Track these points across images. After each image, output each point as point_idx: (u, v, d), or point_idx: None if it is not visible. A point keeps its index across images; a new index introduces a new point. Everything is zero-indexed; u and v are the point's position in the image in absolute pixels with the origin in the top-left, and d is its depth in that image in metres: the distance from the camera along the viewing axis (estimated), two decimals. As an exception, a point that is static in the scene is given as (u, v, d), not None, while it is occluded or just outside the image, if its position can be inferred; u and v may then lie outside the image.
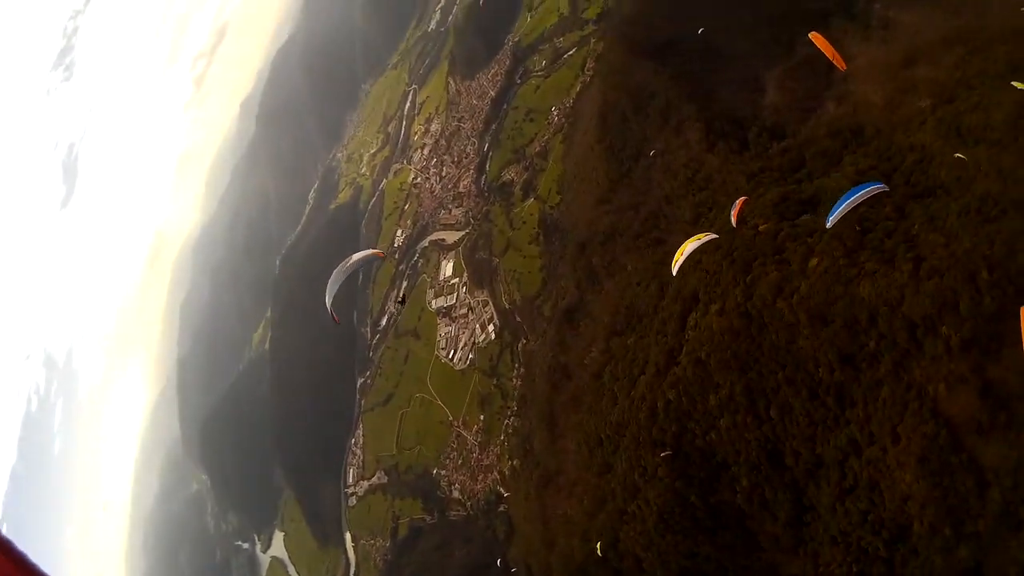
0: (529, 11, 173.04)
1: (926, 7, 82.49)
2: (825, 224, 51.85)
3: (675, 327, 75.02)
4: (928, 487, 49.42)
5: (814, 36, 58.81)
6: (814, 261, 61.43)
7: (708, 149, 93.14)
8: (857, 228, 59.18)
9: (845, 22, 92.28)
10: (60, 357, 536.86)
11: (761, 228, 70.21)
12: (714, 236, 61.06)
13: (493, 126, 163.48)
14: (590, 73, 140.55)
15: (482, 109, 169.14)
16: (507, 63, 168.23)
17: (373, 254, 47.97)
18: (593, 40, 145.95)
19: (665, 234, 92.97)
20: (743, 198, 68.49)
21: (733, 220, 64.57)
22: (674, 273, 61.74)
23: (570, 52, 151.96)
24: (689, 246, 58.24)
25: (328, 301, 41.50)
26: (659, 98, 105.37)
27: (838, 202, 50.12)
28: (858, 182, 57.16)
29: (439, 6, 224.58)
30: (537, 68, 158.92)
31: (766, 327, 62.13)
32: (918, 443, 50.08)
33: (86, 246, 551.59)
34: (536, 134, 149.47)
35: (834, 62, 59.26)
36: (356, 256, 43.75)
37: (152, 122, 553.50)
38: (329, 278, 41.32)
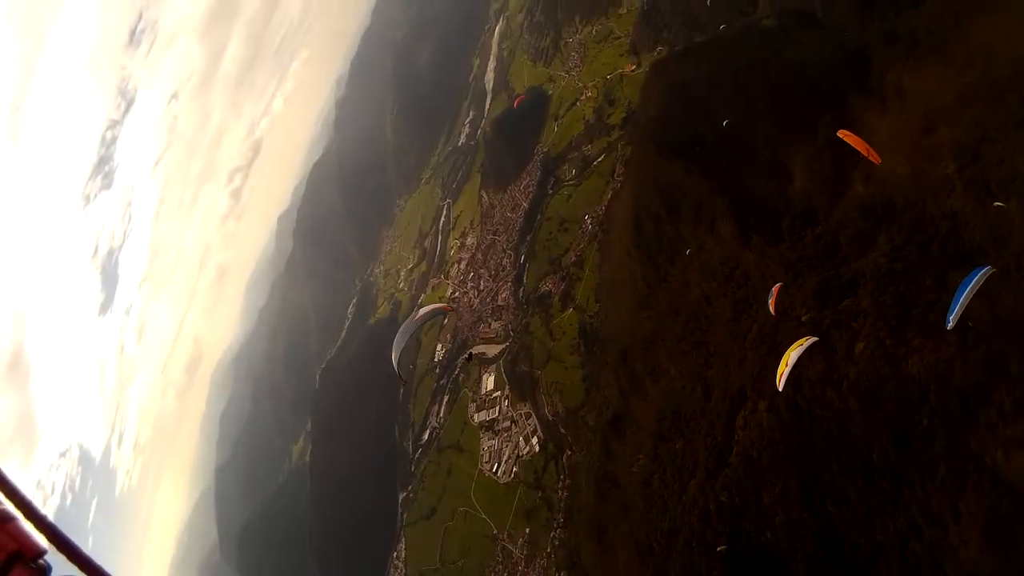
0: (555, 121, 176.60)
1: (936, 69, 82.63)
2: (947, 325, 49.26)
3: (723, 428, 73.06)
4: (994, 560, 46.74)
5: (844, 134, 58.68)
6: (860, 345, 60.01)
7: (743, 245, 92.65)
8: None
9: (863, 97, 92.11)
10: (97, 455, 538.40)
11: (804, 318, 69.17)
12: (815, 339, 58.61)
13: (528, 237, 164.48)
14: (620, 178, 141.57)
15: (516, 221, 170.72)
16: (537, 174, 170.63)
17: (440, 307, 47.62)
18: (620, 145, 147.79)
19: (707, 335, 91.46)
20: (778, 284, 67.92)
21: (772, 309, 63.70)
22: (780, 388, 58.60)
23: (599, 159, 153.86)
24: (792, 354, 56.11)
25: (395, 357, 40.68)
26: (690, 197, 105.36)
27: (955, 297, 46.78)
28: (967, 272, 56.17)
29: (468, 120, 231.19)
30: (567, 177, 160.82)
31: (817, 418, 60.46)
32: (980, 516, 47.68)
33: (123, 349, 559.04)
34: (571, 243, 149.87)
35: (869, 157, 59.00)
36: (424, 311, 43.39)
37: (189, 233, 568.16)
38: (393, 352, 40.67)
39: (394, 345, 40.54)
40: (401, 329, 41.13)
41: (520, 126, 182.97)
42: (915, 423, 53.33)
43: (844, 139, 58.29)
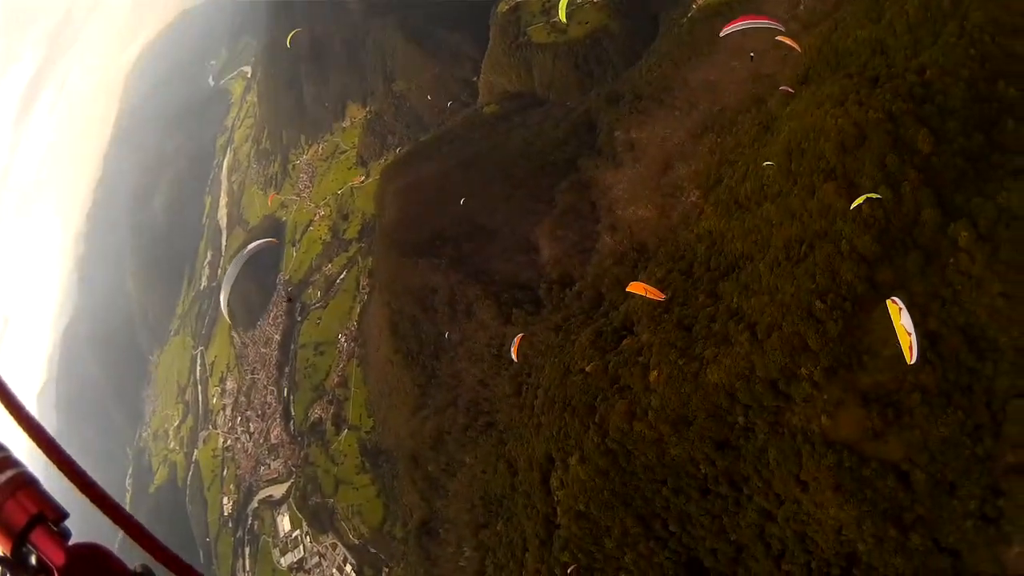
0: (293, 247, 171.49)
1: (662, 116, 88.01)
2: None
3: (541, 494, 71.18)
4: (855, 508, 48.95)
5: (632, 286, 60.16)
6: (654, 374, 60.79)
7: (505, 322, 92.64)
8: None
9: (592, 159, 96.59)
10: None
11: (588, 369, 69.37)
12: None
13: (286, 369, 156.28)
14: (366, 291, 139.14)
15: (271, 355, 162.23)
16: (283, 303, 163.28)
17: (267, 242, 47.42)
18: (360, 257, 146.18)
19: (493, 416, 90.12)
20: (519, 335, 70.73)
21: (514, 356, 67.36)
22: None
23: (341, 276, 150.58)
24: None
25: (224, 298, 40.08)
26: (442, 291, 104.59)
27: None
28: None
29: (207, 261, 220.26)
30: (314, 301, 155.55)
31: (632, 454, 60.24)
32: (827, 478, 49.67)
33: None
34: (330, 366, 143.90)
35: (652, 296, 60.66)
36: (251, 245, 43.09)
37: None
38: (222, 293, 41.24)
39: (223, 284, 39.36)
40: (231, 266, 40.67)
41: (259, 259, 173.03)
42: (731, 424, 54.92)
43: (632, 290, 60.05)
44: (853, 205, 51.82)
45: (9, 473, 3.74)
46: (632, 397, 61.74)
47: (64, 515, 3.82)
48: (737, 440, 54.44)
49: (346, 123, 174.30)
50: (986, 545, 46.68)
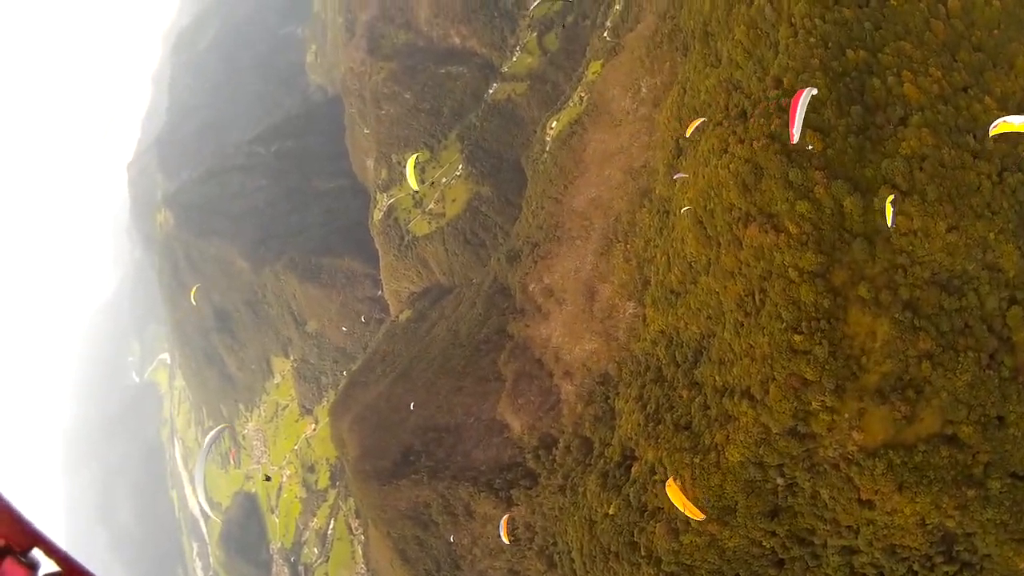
0: (272, 513, 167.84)
1: (564, 249, 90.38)
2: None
3: None
4: (927, 495, 49.93)
5: (669, 486, 58.13)
6: (677, 483, 59.26)
7: (508, 505, 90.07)
8: None
9: (519, 321, 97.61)
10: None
11: (611, 511, 68.36)
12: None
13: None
14: (360, 531, 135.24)
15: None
16: (285, 571, 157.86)
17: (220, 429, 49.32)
18: (341, 503, 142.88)
19: None
20: (505, 517, 74.92)
21: (504, 538, 70.73)
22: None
23: (331, 526, 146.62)
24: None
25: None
26: (433, 502, 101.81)
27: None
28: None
29: (195, 553, 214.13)
30: (314, 559, 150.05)
31: (694, 567, 60.22)
32: (886, 484, 50.97)
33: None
34: None
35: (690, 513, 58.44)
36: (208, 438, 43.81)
37: None
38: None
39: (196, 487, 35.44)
40: (195, 475, 36.95)
41: (245, 535, 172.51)
42: (773, 489, 55.43)
43: (669, 492, 57.18)
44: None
45: None
46: (667, 515, 61.21)
47: (31, 546, 3.84)
48: (785, 501, 54.55)
49: (276, 379, 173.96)
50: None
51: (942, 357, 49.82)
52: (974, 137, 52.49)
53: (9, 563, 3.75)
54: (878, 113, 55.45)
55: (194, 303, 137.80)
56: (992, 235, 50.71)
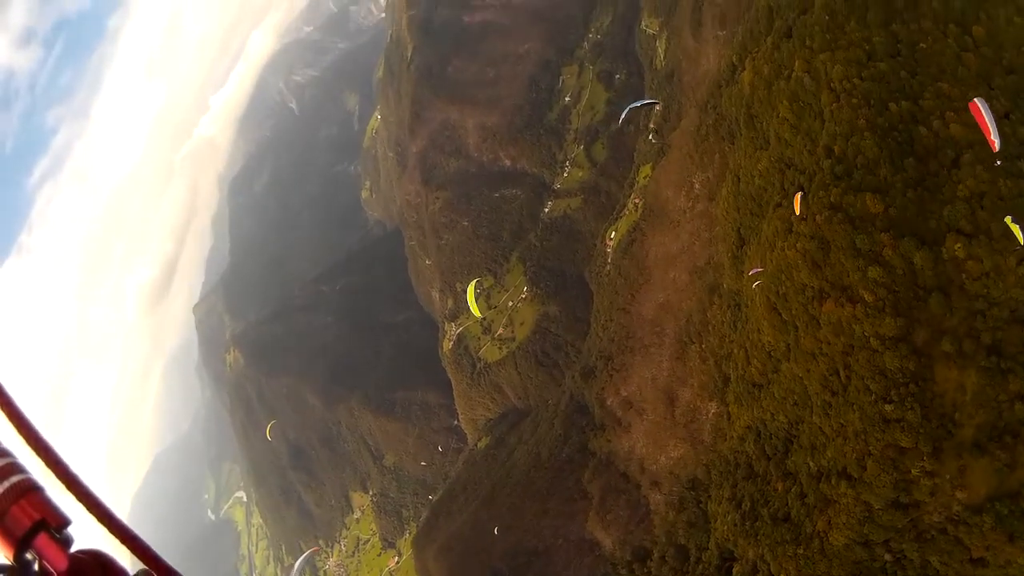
0: None
1: (638, 359, 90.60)
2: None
3: None
4: None
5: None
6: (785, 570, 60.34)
7: None
8: None
9: (600, 436, 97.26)
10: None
11: None
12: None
13: None
14: None
15: None
16: None
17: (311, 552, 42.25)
18: None
19: None
20: None
21: None
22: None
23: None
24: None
25: None
26: None
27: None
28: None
29: None
30: None
31: None
32: (997, 537, 49.92)
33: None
34: None
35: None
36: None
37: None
38: None
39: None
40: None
41: None
42: (882, 566, 54.55)
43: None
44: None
45: (13, 479, 3.87)
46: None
47: (67, 522, 3.93)
48: (895, 574, 53.41)
49: (356, 514, 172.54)
50: None
51: (1036, 394, 48.88)
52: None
53: (43, 538, 3.83)
54: (930, 160, 56.15)
55: (270, 439, 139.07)
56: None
